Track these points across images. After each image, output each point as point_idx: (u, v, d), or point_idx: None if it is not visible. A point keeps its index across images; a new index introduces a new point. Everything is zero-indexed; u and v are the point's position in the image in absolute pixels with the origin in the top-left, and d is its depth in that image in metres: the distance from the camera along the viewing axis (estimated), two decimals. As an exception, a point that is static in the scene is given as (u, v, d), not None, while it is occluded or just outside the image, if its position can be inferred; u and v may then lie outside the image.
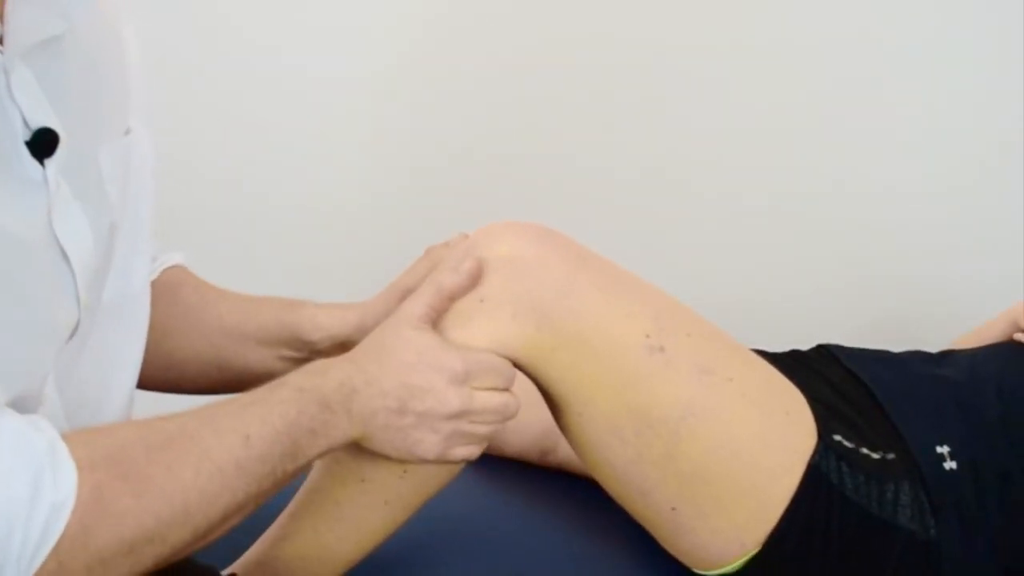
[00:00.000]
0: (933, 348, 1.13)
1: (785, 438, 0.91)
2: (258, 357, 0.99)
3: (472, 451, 0.87)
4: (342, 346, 0.94)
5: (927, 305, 1.62)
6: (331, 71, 1.63)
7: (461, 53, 1.62)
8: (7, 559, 0.63)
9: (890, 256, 1.62)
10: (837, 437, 0.93)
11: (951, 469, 0.94)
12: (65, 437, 0.67)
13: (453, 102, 1.64)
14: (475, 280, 0.89)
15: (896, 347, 1.12)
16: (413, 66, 1.63)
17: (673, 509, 0.91)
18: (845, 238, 1.63)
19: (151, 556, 0.69)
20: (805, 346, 1.11)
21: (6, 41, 0.71)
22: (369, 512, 0.91)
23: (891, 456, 0.94)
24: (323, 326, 0.98)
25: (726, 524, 0.91)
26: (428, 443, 0.84)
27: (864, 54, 1.58)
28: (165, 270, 0.98)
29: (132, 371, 0.87)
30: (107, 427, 0.74)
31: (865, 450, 0.93)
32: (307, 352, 0.99)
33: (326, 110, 1.65)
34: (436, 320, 0.89)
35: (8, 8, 0.71)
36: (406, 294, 0.93)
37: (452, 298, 0.89)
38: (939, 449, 0.95)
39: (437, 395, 0.83)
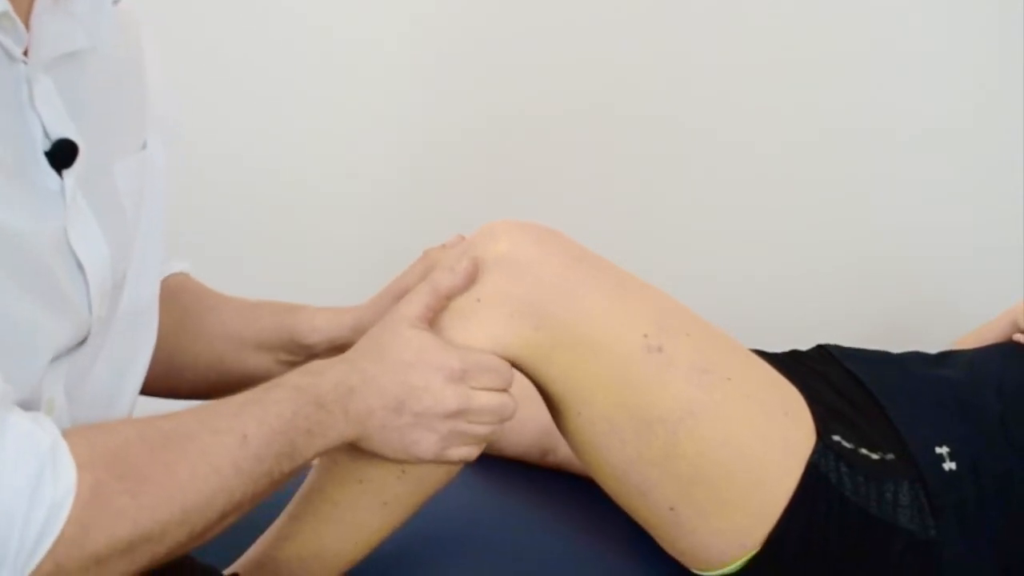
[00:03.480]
0: (933, 349, 1.13)
1: (784, 438, 0.91)
2: (256, 361, 0.99)
3: (470, 452, 0.87)
4: (340, 349, 0.93)
5: (927, 306, 1.62)
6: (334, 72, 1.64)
7: (474, 42, 1.62)
8: (4, 559, 0.63)
9: (890, 257, 1.62)
10: (836, 437, 0.93)
11: (951, 470, 0.94)
12: (66, 435, 0.67)
13: (460, 93, 1.64)
14: (471, 280, 0.89)
15: (896, 348, 1.12)
16: (420, 64, 1.64)
17: (672, 509, 0.91)
18: (845, 239, 1.63)
19: (147, 555, 0.69)
20: (804, 347, 1.11)
21: (31, 52, 0.72)
22: (368, 513, 0.91)
23: (890, 457, 0.94)
24: (320, 329, 0.99)
25: (726, 524, 0.91)
26: (425, 443, 0.84)
27: (866, 56, 1.58)
28: (168, 277, 0.99)
29: (138, 380, 0.87)
30: (107, 425, 0.74)
31: (864, 450, 0.93)
32: (304, 356, 0.99)
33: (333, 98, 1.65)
34: (433, 320, 0.89)
35: (35, 20, 0.72)
36: (402, 296, 0.92)
37: (448, 298, 0.89)
38: (939, 450, 0.95)
39: (434, 394, 0.83)
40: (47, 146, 0.72)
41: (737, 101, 1.60)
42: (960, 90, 1.57)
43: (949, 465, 0.94)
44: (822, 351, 1.09)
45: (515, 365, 0.89)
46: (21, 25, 0.70)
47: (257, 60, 1.59)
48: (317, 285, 1.64)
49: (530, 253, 0.90)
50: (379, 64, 1.62)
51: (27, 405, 0.70)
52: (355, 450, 0.85)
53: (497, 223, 0.93)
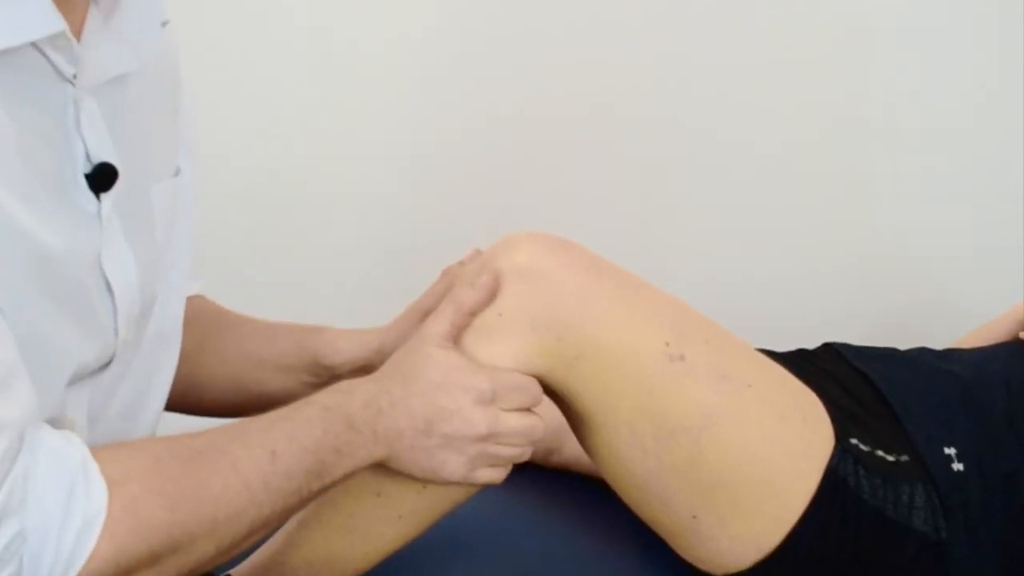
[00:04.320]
0: (937, 347, 1.13)
1: (804, 443, 0.91)
2: (278, 382, 1.00)
3: (497, 474, 0.87)
4: (362, 370, 0.95)
5: (927, 306, 1.62)
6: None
7: (474, 42, 1.61)
8: (37, 575, 0.64)
9: (890, 257, 1.63)
10: (854, 440, 0.93)
11: (958, 470, 0.95)
12: (95, 453, 0.68)
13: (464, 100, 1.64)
14: (493, 294, 0.89)
15: (900, 347, 1.12)
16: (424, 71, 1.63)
17: (694, 517, 0.91)
18: (845, 239, 1.63)
19: (174, 566, 0.69)
20: (810, 346, 1.11)
21: (80, 75, 0.72)
22: (382, 525, 0.91)
23: (904, 458, 0.94)
24: (342, 350, 0.99)
25: (746, 530, 0.91)
26: (453, 464, 0.84)
27: (866, 56, 1.58)
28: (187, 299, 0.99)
29: (160, 400, 0.87)
30: (135, 442, 0.75)
31: (880, 452, 0.94)
32: (327, 377, 0.99)
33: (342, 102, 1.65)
34: (459, 337, 0.89)
35: (84, 43, 0.72)
36: (425, 316, 0.93)
37: (472, 313, 0.89)
38: (947, 451, 0.96)
39: (464, 416, 0.83)
40: (88, 168, 0.73)
41: (738, 101, 1.60)
42: (960, 90, 1.57)
43: (957, 466, 0.95)
44: (829, 349, 1.09)
45: (539, 379, 0.89)
46: (77, 46, 0.70)
47: (257, 60, 1.58)
48: (317, 285, 1.64)
49: (549, 264, 0.90)
50: (379, 64, 1.61)
51: (50, 424, 0.70)
52: (375, 463, 0.84)
53: (513, 235, 0.93)
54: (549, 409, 0.94)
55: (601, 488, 1.00)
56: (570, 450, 1.12)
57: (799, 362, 1.01)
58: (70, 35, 0.69)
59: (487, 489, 1.02)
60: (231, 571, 0.93)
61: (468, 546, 1.02)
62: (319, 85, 1.61)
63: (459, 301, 0.88)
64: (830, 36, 1.58)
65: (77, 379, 0.75)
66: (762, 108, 1.60)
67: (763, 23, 1.58)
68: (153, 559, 0.68)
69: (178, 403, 0.94)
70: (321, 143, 1.64)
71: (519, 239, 0.92)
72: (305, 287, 1.63)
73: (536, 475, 1.17)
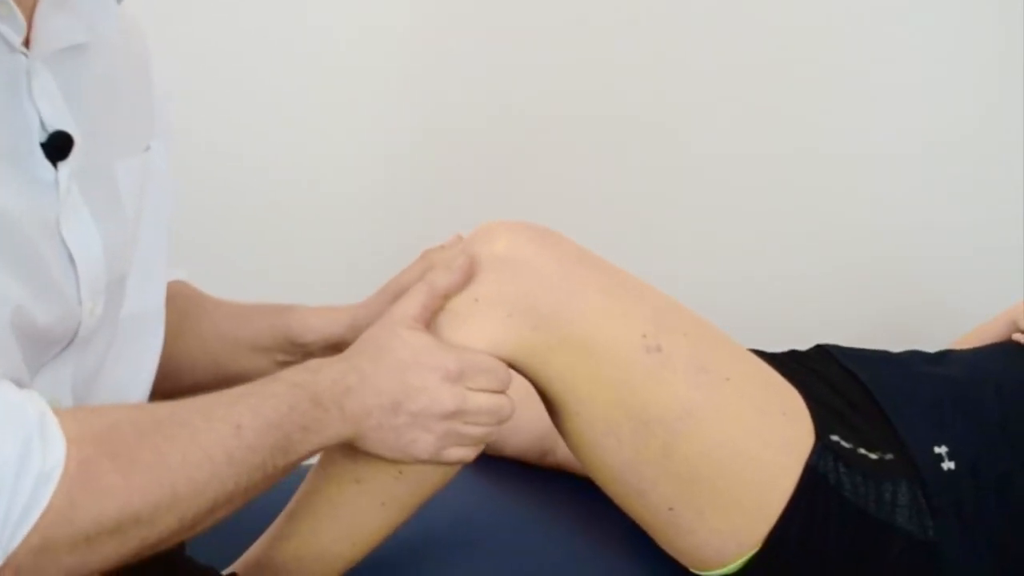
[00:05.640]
0: (933, 349, 1.13)
1: (783, 438, 0.91)
2: (253, 363, 1.00)
3: (467, 453, 0.87)
4: (335, 347, 0.94)
5: (927, 306, 1.62)
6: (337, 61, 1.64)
7: (473, 43, 1.62)
8: None
9: (890, 257, 1.62)
10: (835, 437, 0.93)
11: (949, 469, 0.94)
12: (56, 412, 0.67)
13: (460, 91, 1.64)
14: (468, 277, 0.89)
15: (896, 348, 1.12)
16: (418, 62, 1.64)
17: (670, 509, 0.91)
18: (845, 240, 1.63)
19: (137, 539, 0.68)
20: (804, 348, 1.11)
21: (32, 45, 0.73)
22: (365, 514, 0.91)
23: (889, 456, 0.94)
24: (314, 328, 0.99)
25: (724, 524, 0.91)
26: (422, 443, 0.84)
27: (867, 59, 1.58)
28: (167, 284, 0.99)
29: (146, 386, 0.88)
30: (98, 407, 0.75)
31: (863, 450, 0.93)
32: (300, 355, 0.99)
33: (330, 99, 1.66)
34: (431, 320, 0.89)
35: (38, 14, 0.74)
36: (399, 295, 0.92)
37: (445, 296, 0.89)
38: (937, 449, 0.95)
39: (431, 394, 0.83)
40: (43, 137, 0.73)
41: (738, 105, 1.60)
42: (960, 93, 1.57)
43: (948, 465, 0.94)
44: (820, 351, 1.08)
45: (513, 366, 0.89)
46: (20, 15, 0.71)
47: (254, 59, 1.60)
48: (315, 284, 1.64)
49: (528, 253, 0.90)
50: (378, 65, 1.62)
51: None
52: (352, 450, 0.85)
53: (494, 223, 0.93)
54: (542, 411, 0.94)
55: (598, 488, 1.00)
56: (565, 451, 1.12)
57: (788, 362, 1.00)
58: (12, 3, 0.70)
59: (485, 489, 1.02)
60: (233, 569, 0.94)
61: (467, 546, 1.02)
62: (317, 85, 1.62)
63: (432, 283, 0.88)
64: (831, 38, 1.58)
65: (44, 347, 0.75)
66: (761, 110, 1.60)
67: (763, 26, 1.58)
68: (113, 527, 0.67)
69: (159, 386, 0.94)
70: (319, 143, 1.65)
71: (498, 227, 0.92)
72: (303, 286, 1.63)
73: (534, 475, 1.18)
